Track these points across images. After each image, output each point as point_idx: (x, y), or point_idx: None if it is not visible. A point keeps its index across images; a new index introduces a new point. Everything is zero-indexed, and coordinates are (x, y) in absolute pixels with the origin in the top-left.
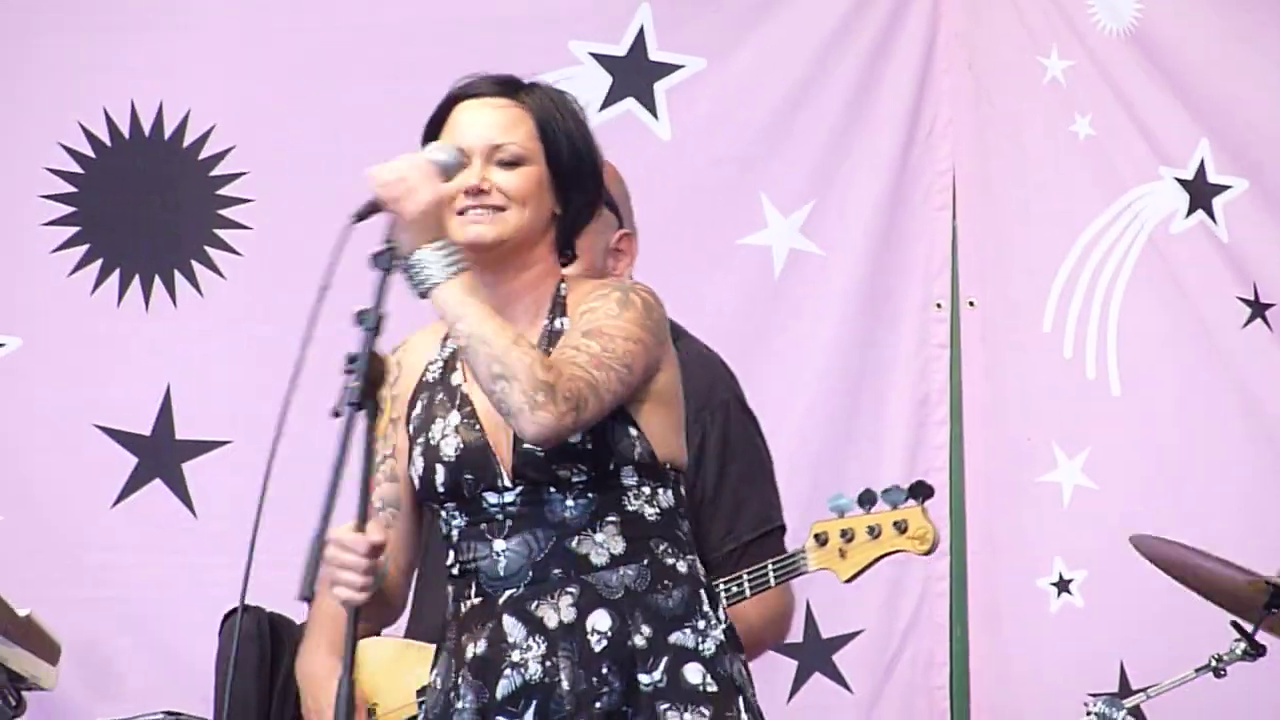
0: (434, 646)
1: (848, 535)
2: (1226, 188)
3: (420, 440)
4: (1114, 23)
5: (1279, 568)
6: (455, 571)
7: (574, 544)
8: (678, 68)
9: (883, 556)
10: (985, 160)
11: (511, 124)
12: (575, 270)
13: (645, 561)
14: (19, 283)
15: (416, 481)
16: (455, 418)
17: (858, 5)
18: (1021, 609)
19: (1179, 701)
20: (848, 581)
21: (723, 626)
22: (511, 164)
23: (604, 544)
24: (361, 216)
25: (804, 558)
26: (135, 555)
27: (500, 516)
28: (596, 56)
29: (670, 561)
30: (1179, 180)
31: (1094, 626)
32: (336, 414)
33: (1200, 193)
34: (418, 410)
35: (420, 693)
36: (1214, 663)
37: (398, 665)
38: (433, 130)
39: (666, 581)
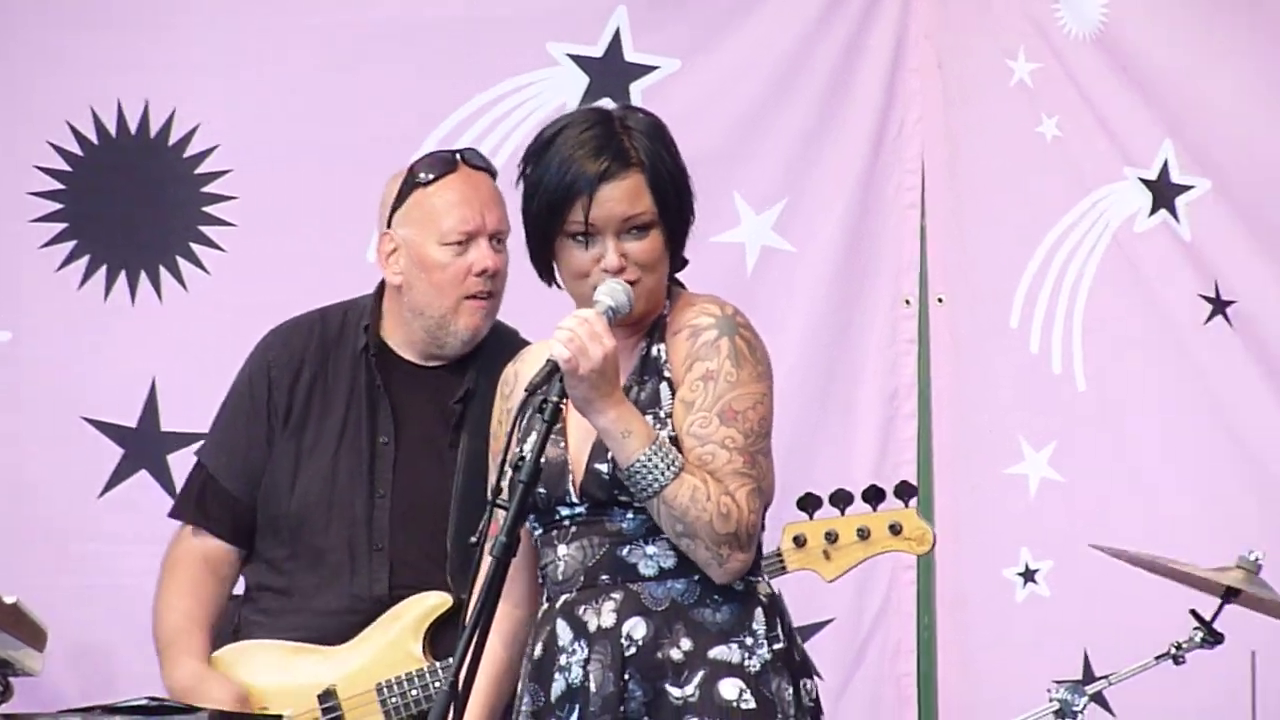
0: (326, 648)
1: (832, 537)
2: (1189, 188)
3: (519, 452)
4: (1080, 27)
5: (1238, 557)
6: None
7: (625, 553)
8: (653, 69)
9: (873, 557)
10: (954, 160)
11: (634, 192)
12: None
13: (696, 577)
14: (8, 277)
15: None
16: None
17: (829, 7)
18: (988, 599)
19: (1140, 688)
20: (832, 581)
21: (778, 646)
22: (642, 229)
23: (654, 556)
24: (539, 384)
25: (779, 562)
26: (122, 545)
27: (568, 524)
28: (573, 57)
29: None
30: (1143, 180)
31: (1059, 616)
32: (477, 544)
33: (1163, 193)
34: (524, 420)
35: (324, 697)
36: (1174, 650)
37: (289, 666)
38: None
39: (717, 596)
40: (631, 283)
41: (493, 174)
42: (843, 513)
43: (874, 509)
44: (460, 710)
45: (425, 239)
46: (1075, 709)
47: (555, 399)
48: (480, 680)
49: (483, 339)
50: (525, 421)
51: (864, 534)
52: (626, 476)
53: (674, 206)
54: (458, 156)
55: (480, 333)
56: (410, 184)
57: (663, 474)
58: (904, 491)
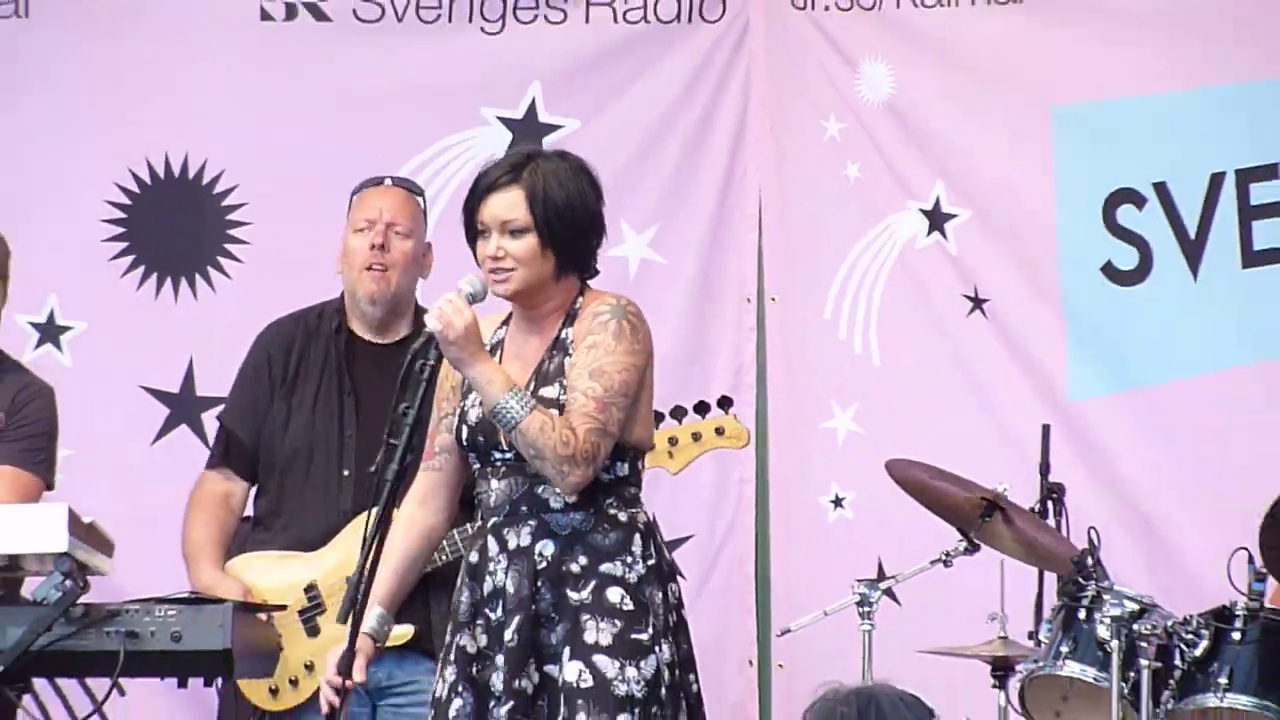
0: (308, 554)
1: (674, 441)
2: (955, 215)
3: (463, 404)
4: (875, 96)
5: (991, 490)
6: (474, 501)
7: (540, 491)
8: (560, 127)
9: (705, 453)
10: (782, 195)
11: (513, 203)
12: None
13: (591, 510)
14: (84, 282)
15: (456, 434)
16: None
17: (690, 83)
18: (808, 519)
19: (918, 584)
20: (676, 474)
21: (651, 563)
22: (517, 233)
23: (561, 494)
24: (421, 349)
25: None
26: (167, 480)
27: (500, 465)
28: (501, 119)
29: (613, 512)
30: (921, 210)
31: (860, 532)
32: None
33: (936, 219)
34: (467, 382)
35: (308, 589)
36: (944, 557)
37: (281, 568)
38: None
39: (606, 525)
40: (509, 271)
41: (414, 191)
42: (680, 422)
43: (703, 417)
44: (367, 591)
45: (346, 231)
46: (871, 600)
47: (432, 362)
48: (394, 561)
49: (420, 324)
50: (416, 382)
51: (697, 437)
52: (492, 415)
53: (553, 221)
54: (386, 179)
55: (377, 298)
56: (351, 198)
57: (518, 412)
58: (724, 403)
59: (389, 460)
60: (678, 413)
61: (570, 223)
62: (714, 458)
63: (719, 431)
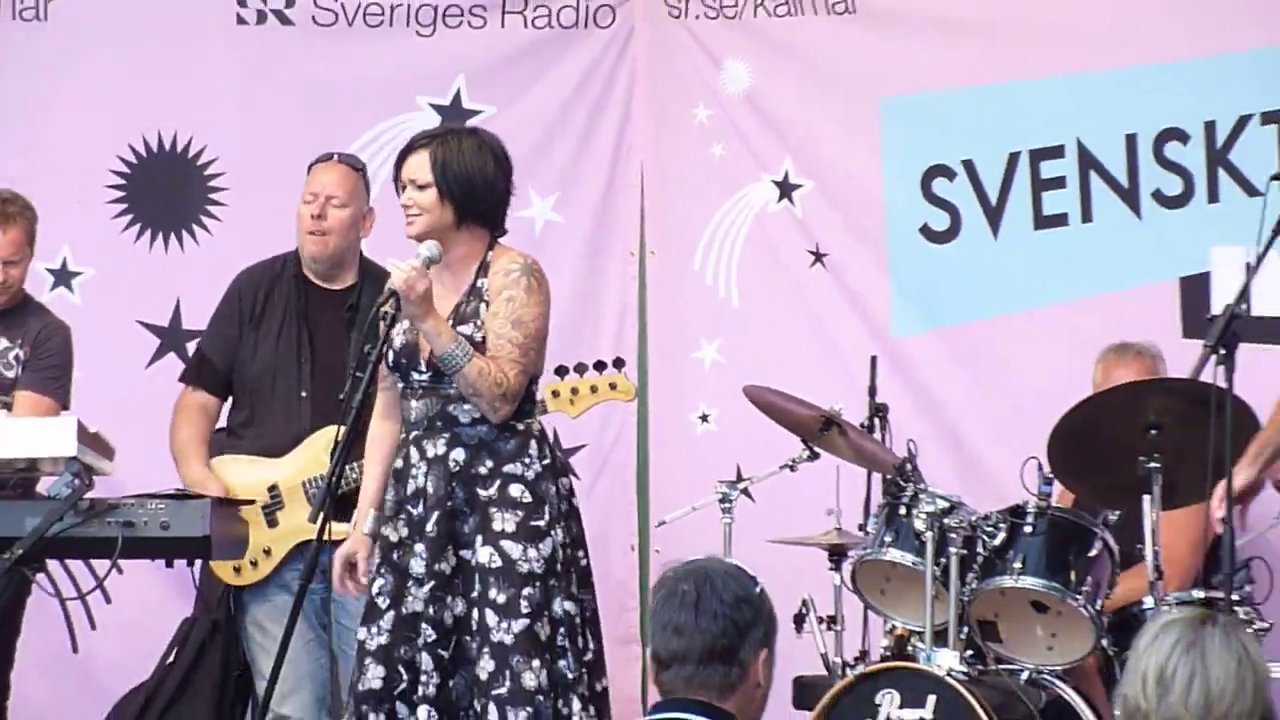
0: (276, 459)
1: (575, 391)
2: (801, 186)
3: (390, 334)
4: (736, 88)
5: (827, 408)
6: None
7: (452, 408)
8: (480, 112)
9: (599, 403)
10: (661, 168)
11: (420, 164)
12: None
13: (494, 423)
14: (92, 237)
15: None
16: (407, 325)
17: (587, 75)
18: (680, 432)
19: (772, 486)
20: (575, 418)
21: (545, 462)
22: (421, 188)
23: (469, 410)
24: (383, 303)
25: (542, 406)
26: (158, 399)
27: (418, 386)
28: (432, 105)
29: (512, 422)
30: (773, 181)
31: (722, 443)
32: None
33: (785, 189)
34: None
35: (271, 489)
36: (790, 462)
37: (252, 470)
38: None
39: (507, 434)
40: (415, 216)
41: (354, 166)
42: (581, 376)
43: (600, 374)
44: (334, 491)
45: (300, 199)
46: (731, 498)
47: (393, 312)
48: (378, 470)
49: (364, 276)
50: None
51: (594, 389)
52: (439, 360)
53: (450, 180)
54: (334, 155)
55: (317, 257)
56: (308, 170)
57: (460, 359)
58: (618, 363)
59: (355, 390)
60: (580, 368)
61: (464, 182)
62: (607, 401)
63: (612, 386)
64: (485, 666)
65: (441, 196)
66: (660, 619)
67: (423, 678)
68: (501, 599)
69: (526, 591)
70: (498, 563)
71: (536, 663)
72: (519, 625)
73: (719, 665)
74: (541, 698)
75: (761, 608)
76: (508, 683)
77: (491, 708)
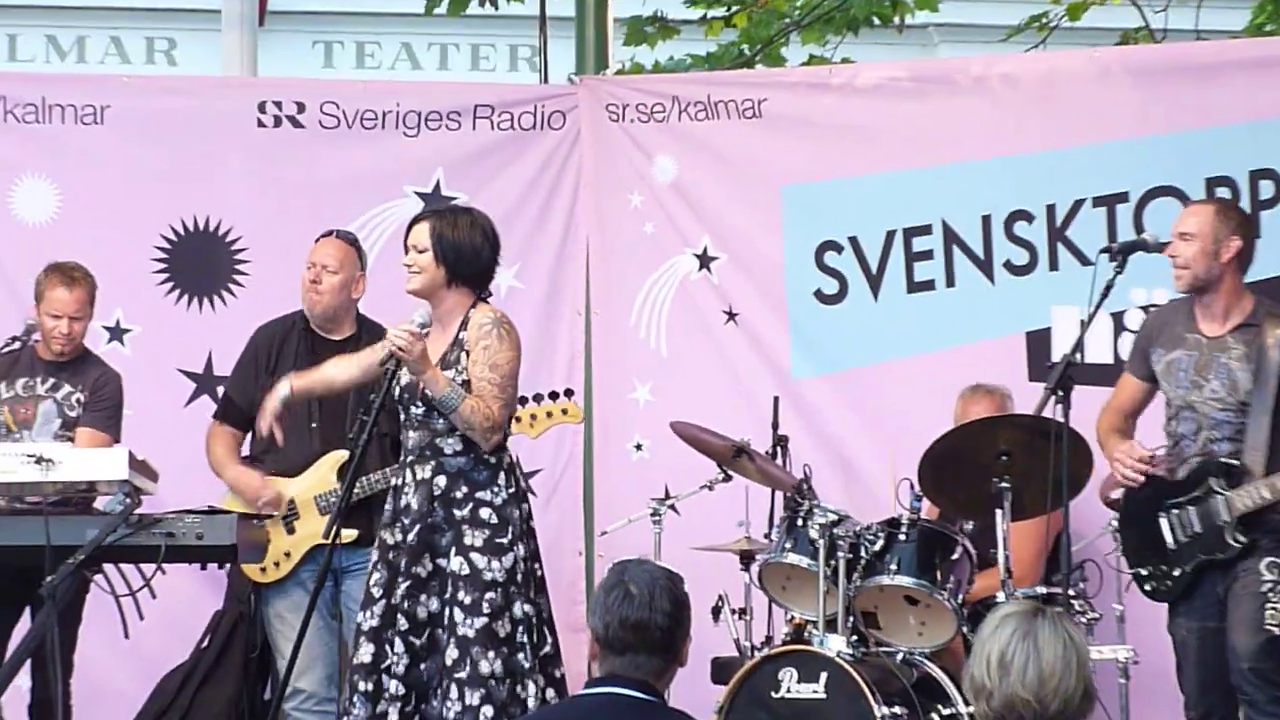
0: (290, 479)
1: (535, 417)
2: (717, 258)
3: (392, 383)
4: (664, 177)
5: (737, 440)
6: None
7: (439, 441)
8: (455, 198)
9: (554, 426)
10: (603, 241)
11: (422, 232)
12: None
13: (472, 456)
14: (141, 300)
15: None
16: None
17: (542, 167)
18: (618, 459)
19: (694, 502)
20: (534, 439)
21: (511, 490)
22: (421, 251)
23: (453, 444)
24: (384, 363)
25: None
26: (194, 432)
27: (415, 419)
28: (416, 193)
29: (486, 457)
30: (694, 254)
31: (653, 467)
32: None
33: (705, 260)
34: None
35: (289, 504)
36: (709, 483)
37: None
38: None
39: (481, 466)
40: (415, 274)
41: (347, 239)
42: (539, 404)
43: (554, 402)
44: (346, 509)
45: (304, 268)
46: (660, 512)
47: (394, 368)
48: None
49: (360, 328)
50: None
51: (549, 414)
52: (438, 403)
53: (445, 247)
54: (332, 232)
55: (314, 310)
56: (313, 244)
57: (455, 400)
58: (568, 393)
59: (361, 431)
60: (537, 398)
61: (455, 249)
62: (560, 424)
63: (564, 411)
64: (450, 654)
65: (436, 260)
66: (618, 614)
67: (394, 657)
68: (468, 600)
69: (489, 595)
70: (466, 570)
71: (493, 654)
72: (480, 622)
73: (661, 655)
74: (494, 683)
75: (689, 606)
76: (467, 668)
77: (453, 688)
